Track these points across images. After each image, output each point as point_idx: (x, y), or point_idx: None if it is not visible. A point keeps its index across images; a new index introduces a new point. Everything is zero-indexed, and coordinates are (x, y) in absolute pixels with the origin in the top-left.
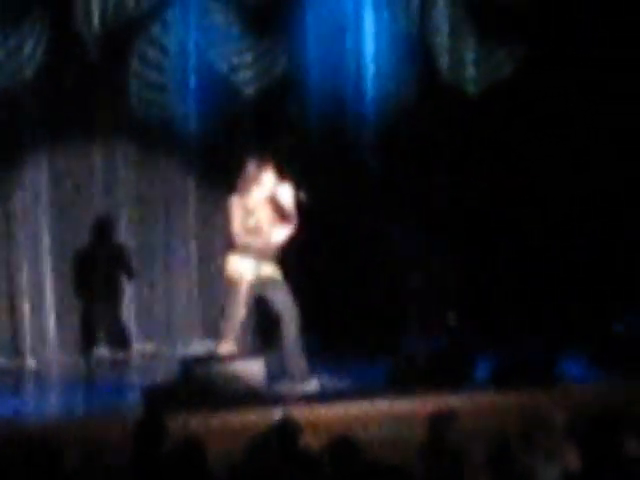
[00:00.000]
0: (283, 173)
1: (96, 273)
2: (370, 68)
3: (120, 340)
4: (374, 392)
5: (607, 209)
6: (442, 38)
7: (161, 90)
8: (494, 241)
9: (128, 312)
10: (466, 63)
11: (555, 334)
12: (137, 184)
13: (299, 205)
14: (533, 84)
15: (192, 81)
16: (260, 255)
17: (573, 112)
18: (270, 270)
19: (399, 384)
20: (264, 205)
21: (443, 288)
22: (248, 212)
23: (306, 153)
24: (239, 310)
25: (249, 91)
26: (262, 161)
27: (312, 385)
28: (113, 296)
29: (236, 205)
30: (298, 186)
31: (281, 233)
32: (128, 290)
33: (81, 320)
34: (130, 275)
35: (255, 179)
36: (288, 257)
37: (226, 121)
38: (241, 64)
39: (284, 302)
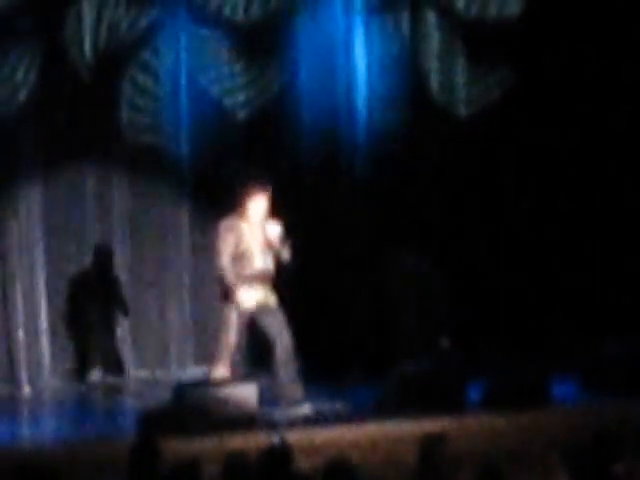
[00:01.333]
0: (274, 207)
1: (92, 301)
2: (361, 89)
3: (115, 366)
4: (366, 415)
5: (598, 230)
6: (432, 60)
7: (153, 115)
8: (485, 263)
9: (123, 339)
10: (456, 85)
11: (546, 356)
12: (130, 212)
13: (280, 264)
14: (523, 106)
15: (184, 106)
16: (252, 281)
17: (562, 134)
18: (263, 295)
19: (391, 407)
20: (256, 230)
21: (435, 311)
22: (240, 237)
23: (298, 175)
24: (233, 335)
25: (241, 115)
26: (260, 185)
27: (305, 409)
28: (108, 323)
29: (228, 229)
30: (286, 232)
31: (274, 229)
32: (122, 317)
33: (76, 347)
34: (125, 312)
35: (252, 201)
36: (280, 280)
37: (218, 145)
38: (233, 88)
39: (277, 328)
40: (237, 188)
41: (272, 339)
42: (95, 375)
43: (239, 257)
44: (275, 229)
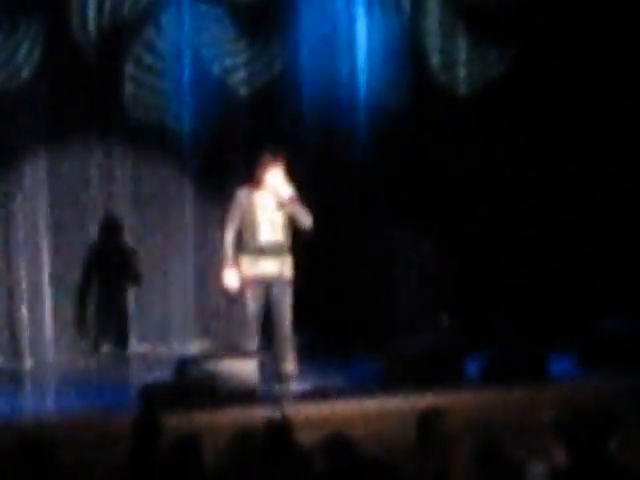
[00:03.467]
0: (291, 171)
1: (99, 272)
2: (363, 68)
3: (119, 340)
4: (366, 390)
5: (596, 208)
6: (433, 39)
7: (156, 93)
8: (485, 241)
9: (126, 313)
10: (457, 64)
11: (543, 332)
12: (134, 186)
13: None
14: (524, 84)
15: (187, 83)
16: (257, 253)
17: (564, 111)
18: (273, 268)
19: (391, 382)
20: (268, 202)
21: (435, 287)
22: (250, 207)
23: (297, 153)
24: (253, 307)
25: (243, 92)
26: (273, 157)
27: (304, 384)
28: (118, 296)
29: (238, 200)
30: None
31: (287, 190)
32: (126, 291)
33: (80, 320)
34: (138, 282)
35: (264, 173)
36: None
37: (221, 121)
38: (235, 65)
39: (283, 302)
40: (260, 155)
41: (275, 314)
42: (98, 348)
43: (247, 229)
44: (287, 191)
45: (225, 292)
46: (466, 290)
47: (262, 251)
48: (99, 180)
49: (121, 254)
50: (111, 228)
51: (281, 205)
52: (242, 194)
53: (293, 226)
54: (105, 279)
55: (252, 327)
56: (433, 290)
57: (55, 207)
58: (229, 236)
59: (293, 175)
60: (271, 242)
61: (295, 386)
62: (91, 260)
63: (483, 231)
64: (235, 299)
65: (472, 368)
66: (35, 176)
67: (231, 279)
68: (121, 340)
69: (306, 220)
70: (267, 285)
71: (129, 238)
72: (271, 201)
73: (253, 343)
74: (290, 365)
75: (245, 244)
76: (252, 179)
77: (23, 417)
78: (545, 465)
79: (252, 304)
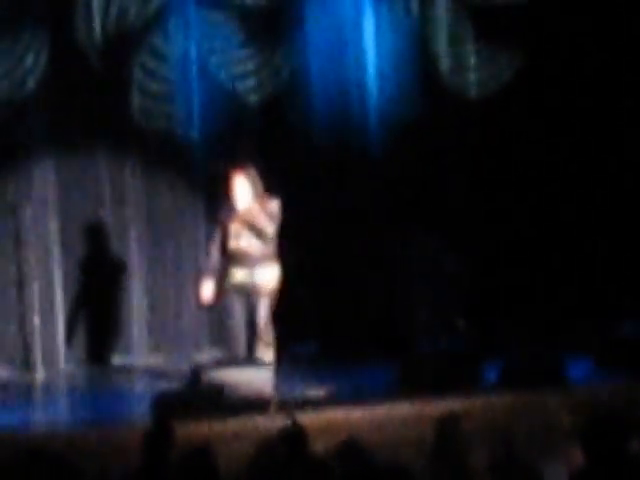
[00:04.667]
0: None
1: (98, 282)
2: (371, 73)
3: (126, 350)
4: (382, 395)
5: (611, 211)
6: (442, 43)
7: (163, 100)
8: (500, 244)
9: (138, 322)
10: (466, 68)
11: (561, 336)
12: (144, 196)
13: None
14: (534, 88)
15: (194, 90)
16: (238, 261)
17: (572, 116)
18: (248, 275)
19: (407, 387)
20: (251, 212)
21: (451, 292)
22: (236, 217)
23: (309, 159)
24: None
25: (252, 100)
26: (239, 167)
27: (319, 390)
28: (116, 305)
29: (227, 210)
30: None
31: (273, 205)
32: (137, 300)
33: (90, 331)
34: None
35: (233, 183)
36: (292, 260)
37: (229, 129)
38: (243, 73)
39: (261, 313)
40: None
41: (257, 323)
42: (109, 359)
43: (230, 239)
44: (273, 205)
45: (199, 303)
46: (482, 294)
47: (242, 259)
48: (108, 189)
49: (112, 263)
50: (96, 237)
51: (258, 222)
52: (228, 205)
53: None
54: (108, 291)
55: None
56: (449, 295)
57: (64, 217)
58: (212, 247)
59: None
60: (249, 250)
61: (310, 393)
62: (94, 272)
63: (500, 235)
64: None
65: (489, 373)
66: (44, 185)
67: (205, 290)
68: (124, 352)
69: (269, 232)
70: (242, 293)
71: (141, 248)
72: (253, 210)
73: (265, 349)
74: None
75: (229, 254)
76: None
77: (35, 428)
78: (563, 469)
79: (239, 314)
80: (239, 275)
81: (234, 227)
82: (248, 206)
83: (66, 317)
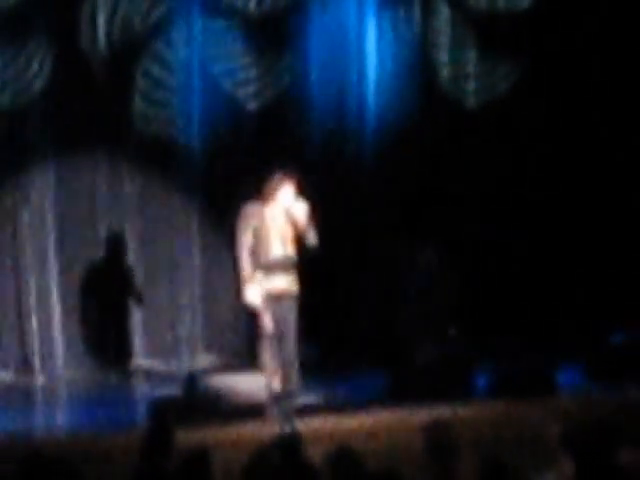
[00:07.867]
0: (302, 189)
1: (104, 290)
2: (372, 81)
3: (126, 356)
4: (374, 403)
5: (605, 221)
6: (443, 52)
7: (165, 106)
8: (492, 253)
9: (134, 328)
10: (467, 77)
11: (552, 346)
12: (142, 200)
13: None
14: (532, 98)
15: (196, 97)
16: (272, 268)
17: (571, 127)
18: (283, 283)
19: (398, 395)
20: (278, 218)
21: (442, 301)
22: (261, 223)
23: (308, 166)
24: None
25: (252, 106)
26: (285, 174)
27: (311, 398)
28: (121, 313)
29: (249, 216)
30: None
31: (301, 207)
32: (133, 307)
33: (89, 336)
34: (139, 301)
35: (276, 190)
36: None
37: (230, 135)
38: (245, 79)
39: (290, 319)
40: (270, 174)
41: (283, 330)
42: (106, 364)
43: (258, 244)
44: (302, 208)
45: (247, 308)
46: (474, 303)
47: (274, 266)
48: (107, 195)
49: (122, 272)
50: (112, 246)
51: (296, 227)
52: (252, 210)
53: (299, 242)
54: (106, 296)
55: (268, 342)
56: (440, 304)
57: (63, 222)
58: (244, 252)
59: (303, 191)
60: (282, 257)
61: (302, 400)
62: (92, 277)
63: (491, 244)
64: (255, 315)
65: (480, 381)
66: (43, 191)
67: (253, 295)
68: (122, 356)
69: (313, 238)
70: (276, 300)
71: (136, 253)
72: (281, 216)
73: (270, 358)
74: (294, 382)
75: (257, 260)
76: (261, 194)
77: (34, 433)
78: (553, 478)
79: (268, 319)
80: (282, 282)
81: (272, 234)
82: (290, 209)
83: (80, 323)
